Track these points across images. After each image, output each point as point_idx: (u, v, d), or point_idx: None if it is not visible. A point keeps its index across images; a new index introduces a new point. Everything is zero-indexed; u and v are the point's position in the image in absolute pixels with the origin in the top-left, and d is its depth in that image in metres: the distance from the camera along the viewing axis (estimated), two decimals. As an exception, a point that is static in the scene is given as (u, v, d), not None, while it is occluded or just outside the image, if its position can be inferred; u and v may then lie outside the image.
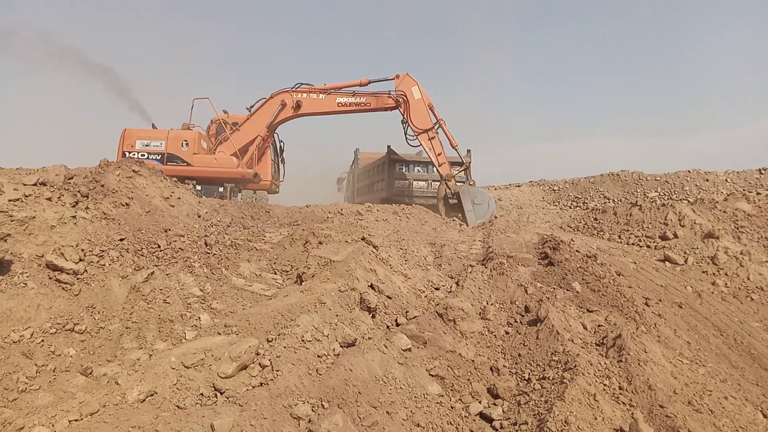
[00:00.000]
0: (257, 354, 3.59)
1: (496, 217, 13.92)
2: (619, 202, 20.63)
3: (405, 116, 15.18)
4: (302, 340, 3.85)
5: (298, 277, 5.81)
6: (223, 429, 2.67)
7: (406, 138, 15.36)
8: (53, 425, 2.83)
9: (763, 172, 20.98)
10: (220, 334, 3.91)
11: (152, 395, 3.13)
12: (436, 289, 6.89)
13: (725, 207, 10.21)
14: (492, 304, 5.90)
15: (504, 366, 4.62)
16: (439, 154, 15.11)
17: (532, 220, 18.00)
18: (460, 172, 15.45)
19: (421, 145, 15.23)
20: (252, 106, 15.80)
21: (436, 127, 15.06)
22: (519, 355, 4.79)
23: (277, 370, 3.44)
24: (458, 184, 15.36)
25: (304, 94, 15.50)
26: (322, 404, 3.27)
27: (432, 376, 4.24)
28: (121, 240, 5.94)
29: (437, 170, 15.44)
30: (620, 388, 3.93)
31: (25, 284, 4.39)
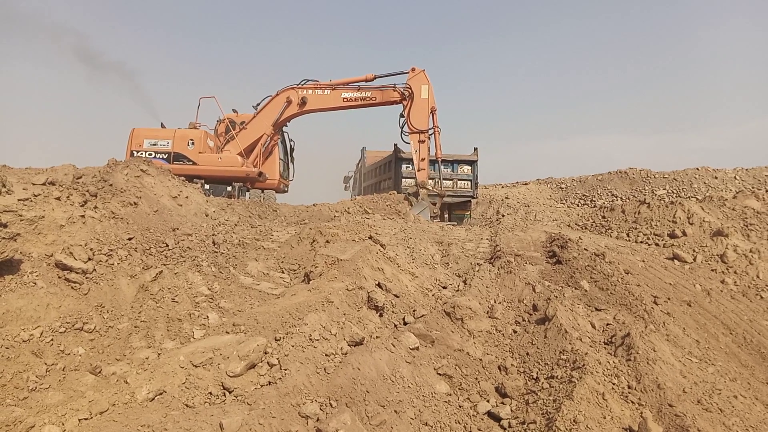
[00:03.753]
0: (265, 353, 3.60)
1: (503, 216, 13.87)
2: (627, 200, 20.55)
3: (405, 111, 15.11)
4: (310, 339, 3.85)
5: (305, 276, 5.82)
6: (232, 428, 2.67)
7: (402, 134, 15.33)
8: (63, 424, 2.85)
9: (772, 169, 20.84)
10: (228, 333, 3.92)
11: (161, 394, 3.14)
12: (444, 287, 6.86)
13: (734, 204, 10.12)
14: (500, 303, 5.88)
15: (512, 365, 4.60)
16: (422, 160, 15.12)
17: (539, 218, 17.92)
18: (433, 192, 15.49)
19: (410, 143, 15.21)
20: (258, 105, 15.84)
21: (429, 133, 15.04)
22: (527, 354, 4.77)
23: (285, 369, 3.44)
24: (428, 187, 15.32)
25: (310, 91, 15.51)
26: (330, 403, 3.27)
27: (440, 375, 4.23)
28: (130, 239, 5.97)
29: (415, 173, 15.46)
30: (629, 387, 3.90)
31: (35, 283, 4.42)
